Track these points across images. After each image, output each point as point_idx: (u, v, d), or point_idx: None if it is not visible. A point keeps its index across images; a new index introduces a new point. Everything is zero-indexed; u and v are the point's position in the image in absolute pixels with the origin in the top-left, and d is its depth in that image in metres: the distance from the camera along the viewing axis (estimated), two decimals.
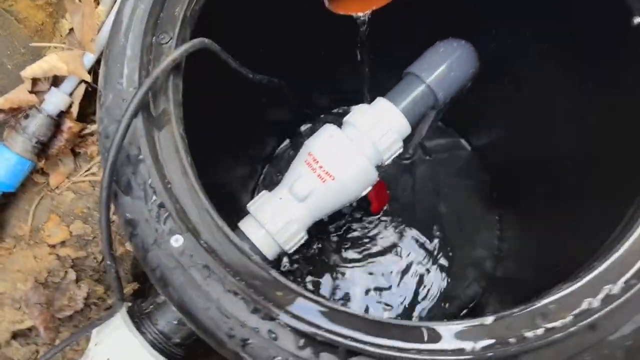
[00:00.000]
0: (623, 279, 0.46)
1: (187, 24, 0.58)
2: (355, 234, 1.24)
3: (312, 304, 0.47)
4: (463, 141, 1.26)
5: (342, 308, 0.47)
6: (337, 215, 1.22)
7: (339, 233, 1.25)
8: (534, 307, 0.47)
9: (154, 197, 0.51)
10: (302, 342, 0.46)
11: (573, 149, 0.86)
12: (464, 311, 1.13)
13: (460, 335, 0.46)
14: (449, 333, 0.46)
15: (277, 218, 0.74)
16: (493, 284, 1.14)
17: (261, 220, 0.74)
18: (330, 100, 1.26)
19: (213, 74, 0.76)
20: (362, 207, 1.25)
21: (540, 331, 0.45)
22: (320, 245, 1.22)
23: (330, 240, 1.23)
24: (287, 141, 1.29)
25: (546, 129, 0.95)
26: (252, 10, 0.82)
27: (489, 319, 0.47)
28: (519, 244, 1.12)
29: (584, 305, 0.46)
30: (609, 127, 0.76)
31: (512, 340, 0.45)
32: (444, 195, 1.23)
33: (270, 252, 0.75)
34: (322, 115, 1.27)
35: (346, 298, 1.18)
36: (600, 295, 0.46)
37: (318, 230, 1.22)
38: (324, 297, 1.17)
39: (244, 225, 0.75)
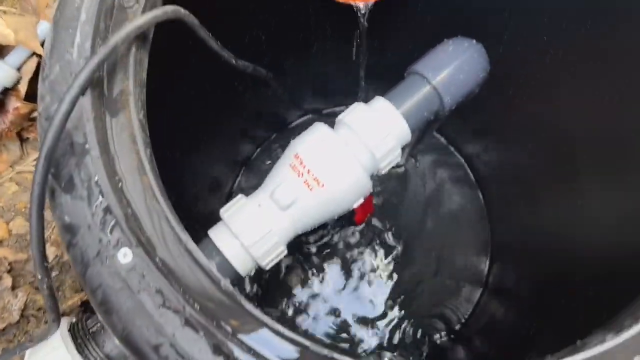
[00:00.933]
0: None
1: None
2: (336, 245, 1.15)
3: (293, 348, 0.37)
4: (454, 149, 1.18)
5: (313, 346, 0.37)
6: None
7: (318, 243, 1.15)
8: None
9: (100, 199, 0.40)
10: None
11: (582, 166, 0.79)
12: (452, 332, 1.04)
13: None
14: None
15: (254, 228, 0.63)
16: (481, 306, 1.06)
17: (235, 229, 0.63)
18: (322, 98, 1.17)
19: (188, 53, 0.65)
20: (345, 216, 1.15)
21: None
22: (297, 256, 1.12)
23: (308, 251, 1.14)
24: (272, 138, 1.19)
25: (549, 142, 0.88)
26: None
27: None
28: (512, 263, 1.04)
29: None
30: (615, 141, 0.69)
31: None
32: (432, 208, 1.15)
33: (243, 267, 0.64)
34: (310, 115, 1.17)
35: (325, 314, 1.08)
36: None
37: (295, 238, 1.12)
38: (299, 312, 1.07)
39: (215, 234, 0.64)
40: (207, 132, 0.93)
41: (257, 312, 0.37)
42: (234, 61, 0.62)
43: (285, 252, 0.67)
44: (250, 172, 1.17)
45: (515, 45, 0.84)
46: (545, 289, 0.83)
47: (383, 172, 0.71)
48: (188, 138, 0.87)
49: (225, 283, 0.38)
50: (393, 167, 1.19)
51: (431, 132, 1.01)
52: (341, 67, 1.05)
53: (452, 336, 1.04)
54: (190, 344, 0.37)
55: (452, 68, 0.71)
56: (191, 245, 0.39)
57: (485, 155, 1.13)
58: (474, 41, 0.74)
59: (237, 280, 0.66)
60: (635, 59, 0.63)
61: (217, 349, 0.37)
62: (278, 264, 1.10)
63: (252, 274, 1.06)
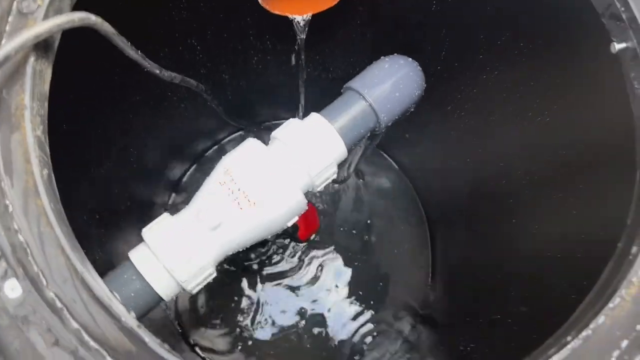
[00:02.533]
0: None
1: None
2: (279, 263, 1.12)
3: None
4: (395, 165, 1.18)
5: None
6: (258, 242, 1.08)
7: (259, 260, 1.12)
8: None
9: None
10: None
11: (514, 174, 0.80)
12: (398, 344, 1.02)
13: None
14: None
15: (179, 250, 0.59)
16: (424, 320, 1.05)
17: (158, 252, 0.59)
18: (262, 112, 1.14)
19: (110, 62, 0.62)
20: (288, 232, 1.13)
21: None
22: (236, 274, 1.08)
23: (249, 268, 1.10)
24: (208, 153, 1.15)
25: (486, 158, 0.89)
26: None
27: None
28: (451, 275, 1.04)
29: None
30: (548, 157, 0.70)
31: None
32: (376, 223, 1.14)
33: (166, 292, 0.60)
34: (248, 130, 1.14)
35: (265, 333, 1.04)
36: None
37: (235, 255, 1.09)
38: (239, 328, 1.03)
39: (136, 256, 0.60)
40: (138, 146, 0.88)
41: (161, 351, 0.34)
42: (158, 71, 0.58)
43: (214, 274, 0.63)
44: (185, 190, 1.12)
45: (453, 62, 0.84)
46: (482, 307, 0.83)
47: (318, 189, 0.69)
48: (116, 151, 0.82)
49: (128, 319, 0.35)
50: (337, 183, 1.19)
51: (372, 148, 1.00)
52: (282, 81, 1.03)
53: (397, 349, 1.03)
54: None
55: (388, 85, 0.70)
56: (88, 277, 0.35)
57: (426, 170, 1.13)
58: (410, 59, 0.73)
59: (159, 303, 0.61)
60: (569, 85, 0.64)
61: None
62: (218, 281, 1.08)
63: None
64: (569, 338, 0.38)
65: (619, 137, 0.50)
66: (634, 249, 0.40)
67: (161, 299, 0.61)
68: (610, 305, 0.38)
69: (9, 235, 0.35)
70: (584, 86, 0.58)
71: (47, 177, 0.38)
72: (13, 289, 0.35)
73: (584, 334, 0.37)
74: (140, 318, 0.61)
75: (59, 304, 0.34)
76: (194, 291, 0.62)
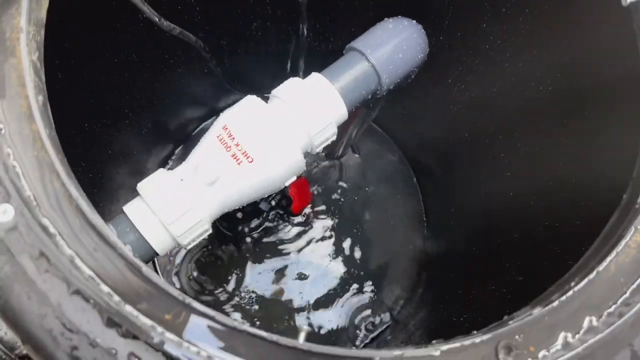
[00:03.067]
0: (608, 306, 0.36)
1: None
2: (272, 235, 1.11)
3: (206, 322, 0.33)
4: (393, 141, 1.17)
5: (252, 330, 0.33)
6: (252, 213, 1.07)
7: (254, 234, 1.11)
8: (497, 333, 0.36)
9: None
10: None
11: (511, 156, 0.80)
12: (389, 319, 1.02)
13: None
14: None
15: (175, 204, 0.58)
16: (416, 294, 1.05)
17: (153, 205, 0.58)
18: (262, 80, 1.12)
19: (105, 13, 0.60)
20: (282, 205, 1.12)
21: None
22: (231, 247, 1.07)
23: (243, 241, 1.09)
24: (209, 121, 1.13)
25: (487, 131, 0.88)
26: None
27: (437, 350, 0.36)
28: (448, 254, 1.03)
29: (560, 340, 0.35)
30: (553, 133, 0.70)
31: None
32: (371, 199, 1.14)
33: (161, 246, 0.59)
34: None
35: (257, 306, 1.04)
36: (582, 327, 0.35)
37: (229, 227, 1.07)
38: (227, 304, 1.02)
39: (131, 209, 0.59)
40: (133, 107, 0.87)
41: (156, 278, 0.33)
42: (157, 19, 0.57)
43: (210, 231, 0.62)
44: (187, 150, 1.10)
45: (455, 31, 0.83)
46: (476, 277, 0.83)
47: (317, 150, 0.68)
48: (110, 110, 0.81)
49: (122, 249, 0.34)
50: (334, 159, 1.18)
51: (369, 120, 0.99)
52: (281, 50, 1.01)
53: (389, 322, 1.02)
54: (78, 315, 0.32)
55: (390, 46, 0.69)
56: (82, 203, 0.34)
57: (425, 147, 1.12)
58: (414, 21, 0.72)
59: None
60: (570, 47, 0.63)
61: (110, 320, 0.32)
62: (215, 255, 1.07)
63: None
64: (572, 284, 0.37)
65: (627, 97, 0.49)
66: None
67: (156, 254, 0.60)
68: (615, 252, 0.38)
69: (2, 157, 0.34)
70: (590, 47, 0.57)
71: (42, 103, 0.36)
72: (5, 212, 0.33)
73: (587, 278, 0.37)
74: None
75: (52, 229, 0.33)
76: (189, 246, 0.61)
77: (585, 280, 0.37)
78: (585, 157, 0.61)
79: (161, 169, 0.62)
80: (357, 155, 1.17)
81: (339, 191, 1.15)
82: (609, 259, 0.37)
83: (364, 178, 1.16)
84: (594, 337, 0.35)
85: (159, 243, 0.58)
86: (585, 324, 0.35)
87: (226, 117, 0.63)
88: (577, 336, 0.35)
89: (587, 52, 0.59)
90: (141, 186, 0.60)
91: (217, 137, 0.62)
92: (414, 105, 1.06)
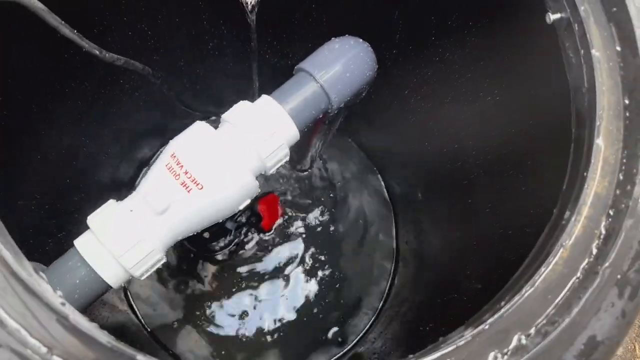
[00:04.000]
0: (536, 324, 0.37)
1: None
2: (243, 254, 1.11)
3: None
4: (359, 149, 1.18)
5: None
6: (220, 232, 1.07)
7: (224, 251, 1.11)
8: (431, 358, 0.37)
9: None
10: None
11: (469, 155, 0.81)
12: (354, 341, 1.03)
13: None
14: None
15: (125, 236, 0.58)
16: (384, 307, 1.06)
17: (103, 238, 0.57)
18: (220, 100, 1.12)
19: (51, 45, 0.60)
20: (251, 222, 1.12)
21: None
22: (202, 266, 1.07)
23: (213, 259, 1.09)
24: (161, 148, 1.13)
25: (443, 140, 0.90)
26: None
27: None
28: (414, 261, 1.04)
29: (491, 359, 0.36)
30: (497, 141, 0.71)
31: None
32: (341, 209, 1.14)
33: (114, 279, 0.59)
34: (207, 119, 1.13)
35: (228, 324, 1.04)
36: (510, 346, 0.36)
37: (198, 246, 1.07)
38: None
39: (81, 243, 0.58)
40: (91, 135, 0.86)
41: (85, 325, 0.33)
42: (98, 52, 0.57)
43: (164, 260, 0.62)
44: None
45: (407, 45, 0.84)
46: (440, 285, 0.84)
47: (271, 171, 0.68)
48: (67, 139, 0.80)
49: (47, 290, 0.34)
50: (301, 172, 1.18)
51: (332, 132, 0.99)
52: (240, 68, 1.01)
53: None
54: None
55: (338, 66, 0.69)
56: (6, 253, 0.33)
57: (389, 153, 1.13)
58: (361, 40, 0.73)
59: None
60: (514, 60, 0.65)
61: None
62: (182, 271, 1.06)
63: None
64: (502, 303, 0.38)
65: (558, 107, 0.50)
66: (567, 214, 0.41)
67: (109, 287, 0.59)
68: (543, 269, 0.39)
69: None
70: (527, 60, 0.59)
71: None
72: None
73: (516, 299, 0.38)
74: (88, 305, 0.60)
75: None
76: (143, 277, 0.61)
77: (515, 299, 0.38)
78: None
79: (111, 200, 0.62)
80: (325, 165, 1.18)
81: (308, 204, 1.16)
82: (537, 276, 0.38)
83: (332, 188, 1.17)
84: (523, 356, 0.36)
85: (111, 276, 0.58)
86: (514, 342, 0.36)
87: (174, 145, 0.63)
88: (505, 356, 0.36)
89: (525, 64, 0.60)
90: (91, 219, 0.60)
91: (166, 165, 0.62)
92: (376, 115, 1.07)
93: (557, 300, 0.37)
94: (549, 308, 0.37)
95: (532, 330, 0.37)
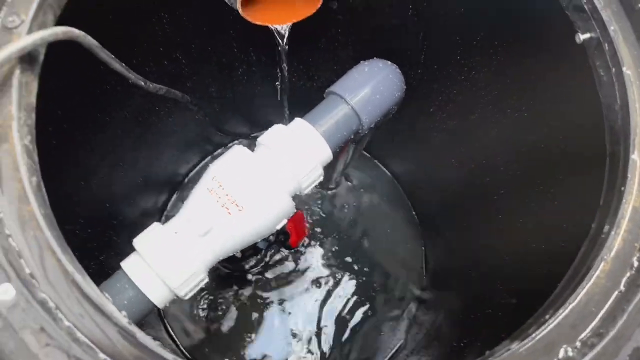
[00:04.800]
0: (582, 337, 0.38)
1: (50, 6, 0.45)
2: (273, 270, 1.13)
3: None
4: (384, 169, 1.20)
5: None
6: (251, 250, 1.09)
7: (254, 270, 1.13)
8: None
9: None
10: None
11: (497, 170, 0.82)
12: (386, 358, 1.03)
13: None
14: None
15: (171, 257, 0.60)
16: (416, 324, 1.06)
17: (149, 259, 0.60)
18: (250, 123, 1.16)
19: (96, 77, 0.63)
20: (280, 240, 1.14)
21: None
22: (235, 286, 1.09)
23: (245, 279, 1.11)
24: (203, 163, 1.16)
25: (470, 157, 0.91)
26: (149, 5, 0.70)
27: None
28: (444, 278, 1.05)
29: None
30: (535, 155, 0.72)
31: None
32: (368, 227, 1.16)
33: (160, 299, 0.61)
34: (241, 139, 1.16)
35: (265, 341, 1.05)
36: (558, 358, 0.37)
37: (230, 266, 1.10)
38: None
39: (128, 265, 0.61)
40: (129, 160, 0.90)
41: (152, 345, 0.35)
42: (143, 83, 0.60)
43: (206, 280, 0.64)
44: (181, 198, 1.13)
45: (432, 64, 0.86)
46: (473, 301, 0.85)
47: (306, 192, 0.71)
48: (106, 166, 0.83)
49: (119, 318, 0.36)
50: (328, 190, 1.20)
51: (359, 151, 1.02)
52: (268, 91, 1.04)
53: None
54: None
55: (368, 88, 0.72)
56: (79, 278, 0.36)
57: (415, 172, 1.15)
58: (389, 62, 0.75)
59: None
60: (541, 77, 0.66)
61: None
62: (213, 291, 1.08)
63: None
64: (547, 316, 0.39)
65: (590, 124, 0.52)
66: (606, 228, 0.42)
67: (154, 306, 0.62)
68: (585, 282, 0.40)
69: (1, 240, 0.36)
70: (555, 78, 0.60)
71: (36, 184, 0.39)
72: (6, 291, 0.36)
73: (560, 312, 0.39)
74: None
75: (50, 304, 0.35)
76: (187, 297, 0.63)
77: (559, 312, 0.39)
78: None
79: (156, 223, 0.65)
80: (351, 184, 1.20)
81: (335, 222, 1.17)
82: (580, 290, 0.39)
83: (359, 207, 1.18)
84: None
85: (158, 296, 0.60)
86: (561, 355, 0.37)
87: (215, 169, 0.65)
88: None
89: (553, 81, 0.62)
90: (137, 241, 0.63)
91: (207, 188, 0.64)
92: (401, 133, 1.09)
93: (601, 313, 0.38)
94: (594, 321, 0.38)
95: (578, 343, 0.38)
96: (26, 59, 0.42)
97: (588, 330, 0.38)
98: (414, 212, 1.17)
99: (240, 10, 0.71)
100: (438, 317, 0.97)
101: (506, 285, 0.77)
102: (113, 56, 0.53)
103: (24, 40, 0.40)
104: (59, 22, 0.48)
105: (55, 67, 0.47)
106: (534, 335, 0.38)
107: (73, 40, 0.46)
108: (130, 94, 0.79)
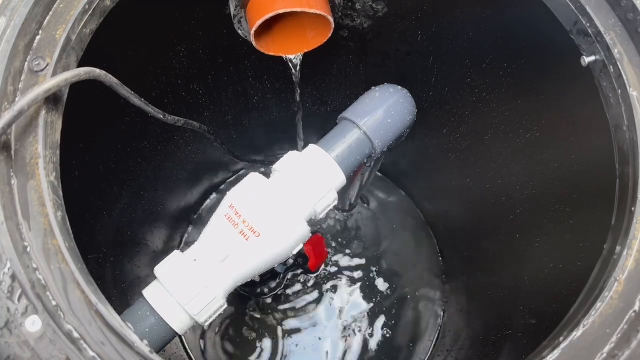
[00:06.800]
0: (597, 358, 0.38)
1: (73, 49, 0.48)
2: (293, 295, 1.13)
3: None
4: (399, 189, 1.21)
5: None
6: (269, 274, 1.10)
7: (273, 293, 1.13)
8: None
9: (8, 265, 0.39)
10: None
11: (513, 190, 0.82)
12: None
13: None
14: None
15: (190, 284, 0.62)
16: (438, 344, 1.05)
17: (169, 287, 0.61)
18: (266, 149, 1.18)
19: (115, 110, 0.66)
20: (299, 263, 1.15)
21: None
22: (252, 310, 1.10)
23: (264, 302, 1.12)
24: (220, 188, 1.19)
25: (485, 176, 0.91)
26: (166, 40, 0.73)
27: None
28: (464, 299, 1.04)
29: None
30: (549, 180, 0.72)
31: None
32: (386, 248, 1.16)
33: (180, 326, 0.62)
34: (256, 166, 1.18)
35: None
36: None
37: (249, 290, 1.11)
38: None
39: (149, 293, 0.63)
40: (149, 189, 0.92)
41: None
42: (162, 116, 0.62)
43: (225, 305, 0.65)
44: (199, 224, 1.15)
45: (443, 87, 0.88)
46: (493, 322, 0.84)
47: (321, 216, 0.72)
48: (127, 195, 0.86)
49: (141, 347, 0.37)
50: (344, 212, 1.21)
51: (373, 175, 1.03)
52: (283, 117, 1.07)
53: None
54: None
55: (379, 113, 0.73)
56: (102, 307, 0.37)
57: (430, 193, 1.15)
58: (399, 87, 0.77)
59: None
60: (551, 98, 0.67)
61: None
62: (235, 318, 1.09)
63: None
64: (560, 338, 0.39)
65: (600, 143, 0.52)
66: (618, 248, 0.42)
67: (176, 333, 0.63)
68: (598, 303, 0.40)
69: (28, 273, 0.38)
70: (564, 99, 0.61)
71: (61, 218, 0.41)
72: (33, 323, 0.37)
73: (574, 334, 0.39)
74: (156, 353, 0.63)
75: (75, 334, 0.37)
76: (206, 323, 0.64)
77: (573, 334, 0.39)
78: None
79: (176, 251, 0.66)
80: (366, 205, 1.21)
81: (353, 244, 1.18)
82: (593, 311, 0.39)
83: (377, 228, 1.19)
84: None
85: (178, 323, 0.62)
86: None
87: (232, 196, 0.67)
88: None
89: (562, 102, 0.62)
90: (157, 269, 0.64)
91: (225, 215, 0.66)
92: (416, 155, 1.10)
93: (615, 334, 0.38)
94: (609, 342, 0.38)
95: None
96: (51, 99, 0.45)
97: (603, 351, 0.38)
98: (431, 232, 1.17)
99: (254, 42, 0.73)
100: (458, 339, 0.96)
101: (526, 306, 0.76)
102: (132, 92, 0.56)
103: (49, 82, 0.43)
104: (81, 61, 0.51)
105: (78, 104, 0.50)
106: (548, 358, 0.38)
107: (93, 79, 0.49)
108: (150, 124, 0.81)
